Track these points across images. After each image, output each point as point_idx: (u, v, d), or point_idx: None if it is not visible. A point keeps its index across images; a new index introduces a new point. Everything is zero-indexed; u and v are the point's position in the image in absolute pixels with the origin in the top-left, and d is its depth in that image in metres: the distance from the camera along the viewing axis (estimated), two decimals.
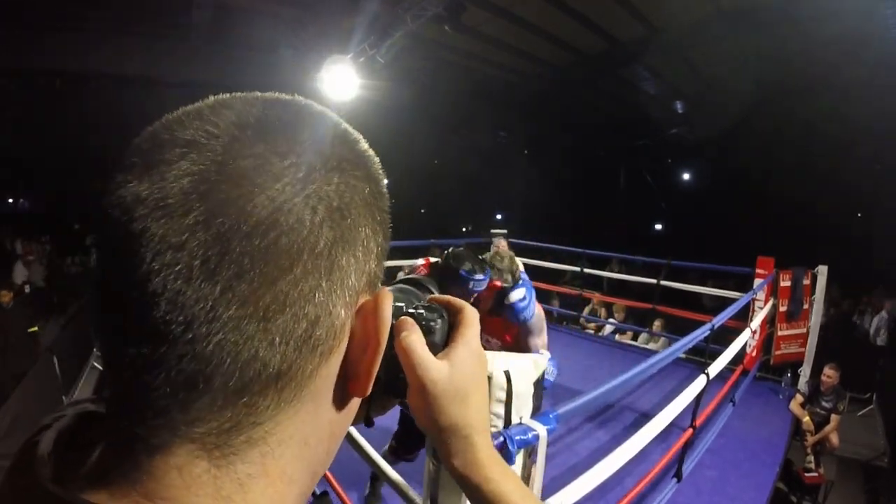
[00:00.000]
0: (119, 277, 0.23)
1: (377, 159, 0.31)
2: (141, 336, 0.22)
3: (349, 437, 1.89)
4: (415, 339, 0.36)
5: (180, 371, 0.22)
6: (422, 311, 0.39)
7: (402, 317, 0.37)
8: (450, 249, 2.02)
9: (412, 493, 1.57)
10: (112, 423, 0.25)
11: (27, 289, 8.25)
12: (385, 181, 0.31)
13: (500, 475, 0.40)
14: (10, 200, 18.49)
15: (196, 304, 0.22)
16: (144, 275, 0.22)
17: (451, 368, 0.37)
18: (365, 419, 0.38)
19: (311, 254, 0.25)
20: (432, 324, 0.39)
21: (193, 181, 0.23)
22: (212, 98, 0.28)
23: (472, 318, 0.39)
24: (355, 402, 0.32)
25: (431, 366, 0.36)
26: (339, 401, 0.29)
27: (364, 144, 0.31)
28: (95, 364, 6.07)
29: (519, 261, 2.38)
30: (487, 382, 0.42)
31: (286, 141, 0.26)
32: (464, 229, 18.60)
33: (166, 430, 0.23)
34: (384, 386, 0.36)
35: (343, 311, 0.27)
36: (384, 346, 0.30)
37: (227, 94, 0.28)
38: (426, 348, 0.36)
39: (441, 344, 0.39)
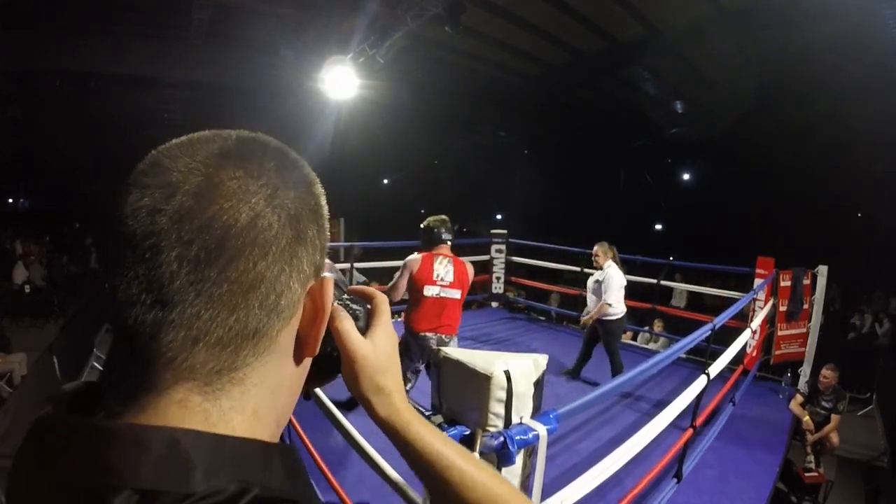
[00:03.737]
0: (142, 263, 0.31)
1: (318, 180, 0.40)
2: (160, 305, 0.31)
3: (351, 438, 1.90)
4: (347, 324, 0.47)
5: (189, 330, 0.32)
6: (349, 302, 0.50)
7: (335, 305, 0.47)
8: (428, 219, 3.02)
9: (412, 493, 1.57)
10: (118, 374, 0.34)
11: (27, 289, 8.25)
12: (323, 197, 0.40)
13: (417, 421, 0.50)
14: (10, 200, 18.48)
15: (201, 283, 0.32)
16: (166, 262, 0.31)
17: (374, 346, 0.48)
18: (304, 394, 0.46)
19: (278, 247, 0.34)
20: (358, 312, 0.50)
21: (195, 196, 0.33)
22: (196, 134, 0.37)
23: (384, 304, 0.51)
24: (307, 362, 0.42)
25: (360, 345, 0.47)
26: (297, 358, 0.39)
27: (308, 169, 0.40)
28: (95, 364, 6.07)
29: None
30: (400, 357, 0.53)
31: (257, 167, 0.35)
32: (464, 229, 18.62)
33: (171, 374, 0.32)
34: (321, 364, 0.44)
35: (299, 288, 0.37)
36: (328, 316, 0.40)
37: (208, 131, 0.38)
38: (356, 331, 0.48)
39: (364, 328, 0.50)
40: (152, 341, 0.32)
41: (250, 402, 0.35)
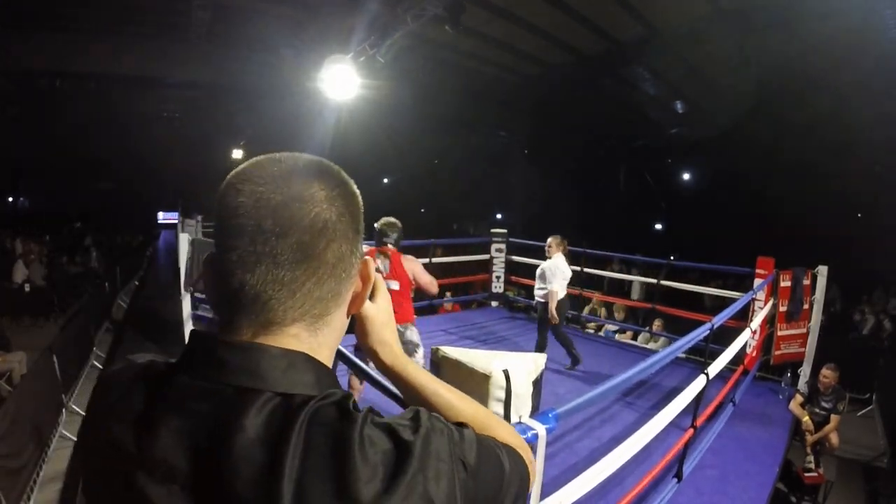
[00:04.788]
0: (254, 245, 0.46)
1: (355, 185, 0.54)
2: (281, 279, 0.47)
3: None
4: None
5: (300, 292, 0.48)
6: None
7: None
8: (381, 220, 3.46)
9: None
10: (244, 315, 0.47)
11: (27, 288, 8.24)
12: (360, 199, 0.54)
13: (411, 365, 0.65)
14: (10, 200, 18.47)
15: (306, 261, 0.47)
16: (279, 246, 0.46)
17: (377, 309, 0.63)
18: None
19: (345, 236, 0.50)
20: None
21: (280, 201, 0.47)
22: (270, 154, 0.51)
23: (381, 281, 0.63)
24: (348, 317, 0.58)
25: (368, 307, 0.62)
26: (347, 313, 0.56)
27: (351, 181, 0.53)
28: (95, 363, 6.08)
29: None
30: (399, 333, 0.64)
31: (318, 179, 0.49)
32: (455, 226, 18.58)
33: (290, 319, 0.48)
34: None
35: (357, 263, 0.53)
36: (371, 286, 0.57)
37: (281, 153, 0.51)
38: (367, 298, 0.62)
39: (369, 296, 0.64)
40: (273, 299, 0.47)
41: (328, 338, 0.52)
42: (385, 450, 0.43)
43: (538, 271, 4.67)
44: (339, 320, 0.53)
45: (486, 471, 0.50)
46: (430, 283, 3.41)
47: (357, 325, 0.63)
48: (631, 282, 8.74)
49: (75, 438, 4.37)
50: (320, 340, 0.50)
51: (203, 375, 0.45)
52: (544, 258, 4.71)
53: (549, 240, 4.65)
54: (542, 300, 4.56)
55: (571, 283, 4.73)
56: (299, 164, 0.50)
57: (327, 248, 0.48)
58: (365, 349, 0.64)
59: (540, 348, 4.59)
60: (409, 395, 0.64)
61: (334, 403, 0.45)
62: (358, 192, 0.53)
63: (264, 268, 0.46)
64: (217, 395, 0.44)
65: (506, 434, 0.60)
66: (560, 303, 4.48)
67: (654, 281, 5.89)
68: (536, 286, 4.69)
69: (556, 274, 4.46)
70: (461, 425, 0.53)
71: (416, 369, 0.64)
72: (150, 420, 0.44)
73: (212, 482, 0.41)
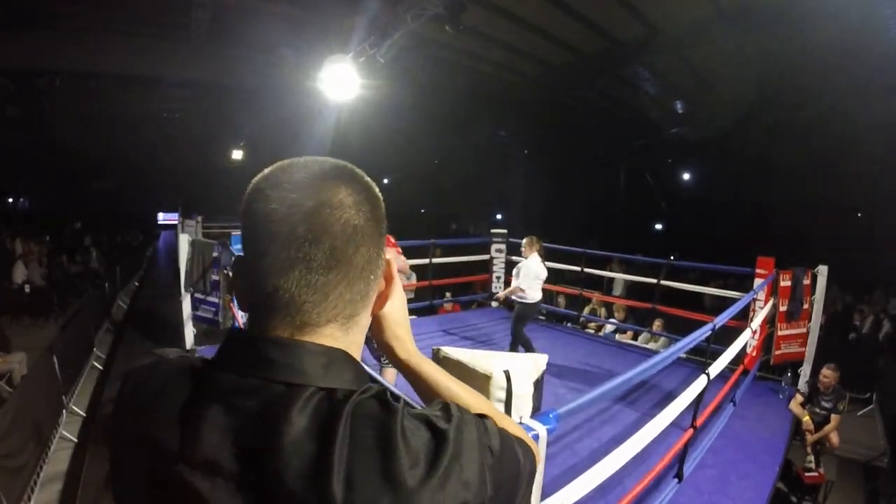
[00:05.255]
0: (286, 250, 0.48)
1: (377, 187, 0.56)
2: (315, 283, 0.49)
3: None
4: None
5: (333, 294, 0.50)
6: None
7: None
8: None
9: None
10: (280, 317, 0.49)
11: (27, 288, 8.24)
12: (382, 202, 0.55)
13: (425, 361, 0.67)
14: (10, 200, 18.46)
15: (337, 265, 0.49)
16: (312, 250, 0.48)
17: (393, 306, 0.63)
18: None
19: (372, 240, 0.52)
20: None
21: (311, 207, 0.48)
22: (294, 159, 0.53)
23: (393, 275, 0.62)
24: (372, 315, 0.60)
25: (386, 304, 0.62)
26: (372, 312, 0.58)
27: (374, 185, 0.55)
28: (95, 364, 6.07)
29: None
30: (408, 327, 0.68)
31: (345, 184, 0.51)
32: (453, 226, 18.58)
33: (324, 321, 0.50)
34: None
35: (382, 265, 0.56)
36: (393, 285, 0.60)
37: (306, 157, 0.53)
38: None
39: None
40: (308, 302, 0.49)
41: (358, 336, 0.55)
42: (424, 438, 0.46)
43: (514, 270, 4.79)
44: (366, 319, 0.56)
45: (507, 458, 0.53)
46: (405, 266, 3.67)
47: (374, 322, 0.65)
48: (612, 279, 8.65)
49: (75, 439, 4.37)
50: (351, 339, 0.53)
51: (247, 372, 0.47)
52: (544, 258, 4.73)
53: (524, 241, 4.71)
54: (517, 299, 4.64)
55: (571, 284, 4.74)
56: (325, 169, 0.52)
57: (356, 253, 0.50)
58: (380, 345, 0.67)
59: (513, 348, 4.64)
60: (422, 390, 0.67)
61: (374, 397, 0.48)
62: (380, 194, 0.55)
63: (298, 273, 0.48)
64: (263, 390, 0.46)
65: (514, 429, 0.63)
66: (529, 305, 4.56)
67: (654, 281, 5.89)
68: (512, 283, 4.81)
69: (527, 273, 4.53)
70: (482, 416, 0.55)
71: (431, 365, 0.68)
72: (193, 415, 0.46)
73: (260, 475, 0.43)
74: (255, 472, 0.43)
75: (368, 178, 0.55)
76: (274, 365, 0.47)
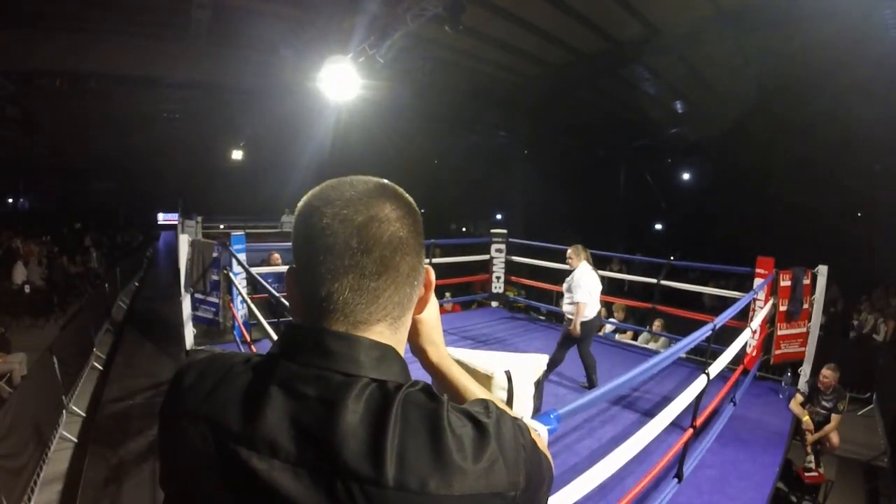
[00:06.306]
0: (341, 259, 0.53)
1: (415, 203, 0.60)
2: (367, 287, 0.54)
3: None
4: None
5: (384, 298, 0.55)
6: None
7: None
8: None
9: None
10: (337, 317, 0.54)
11: (27, 288, 8.24)
12: (420, 216, 0.60)
13: (456, 367, 0.73)
14: (10, 200, 18.47)
15: (386, 273, 0.55)
16: (362, 260, 0.53)
17: (427, 313, 0.68)
18: None
19: (415, 250, 0.58)
20: None
21: (361, 222, 0.54)
22: (341, 178, 0.58)
23: (432, 281, 0.65)
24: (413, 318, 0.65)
25: (422, 311, 0.66)
26: (413, 315, 0.62)
27: (410, 198, 0.60)
28: (95, 364, 6.07)
29: None
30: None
31: (389, 200, 0.57)
32: (463, 229, 18.59)
33: (375, 320, 0.55)
34: None
35: (423, 273, 0.61)
36: (432, 291, 0.65)
37: (348, 178, 0.59)
38: None
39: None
40: (360, 304, 0.54)
41: (403, 336, 0.60)
42: (468, 429, 0.50)
43: (565, 285, 4.32)
44: (409, 321, 0.61)
45: (535, 454, 0.57)
46: None
47: (411, 326, 0.69)
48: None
49: (75, 439, 4.38)
50: (399, 338, 0.59)
51: (308, 361, 0.52)
52: (544, 258, 4.66)
53: (569, 251, 4.31)
54: (570, 315, 4.18)
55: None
56: (370, 187, 0.57)
57: (402, 261, 0.55)
58: (415, 348, 0.72)
59: (553, 363, 4.17)
60: (451, 392, 0.72)
61: (422, 390, 0.52)
62: (418, 209, 0.61)
63: (351, 278, 0.53)
64: (322, 379, 0.51)
65: (534, 437, 0.67)
66: (589, 323, 4.13)
67: (654, 281, 5.89)
68: (564, 300, 4.33)
69: (580, 285, 4.10)
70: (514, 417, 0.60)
71: (458, 370, 0.73)
72: (255, 399, 0.51)
73: (318, 455, 0.47)
74: (313, 453, 0.47)
75: (408, 196, 0.60)
76: (334, 355, 0.52)
